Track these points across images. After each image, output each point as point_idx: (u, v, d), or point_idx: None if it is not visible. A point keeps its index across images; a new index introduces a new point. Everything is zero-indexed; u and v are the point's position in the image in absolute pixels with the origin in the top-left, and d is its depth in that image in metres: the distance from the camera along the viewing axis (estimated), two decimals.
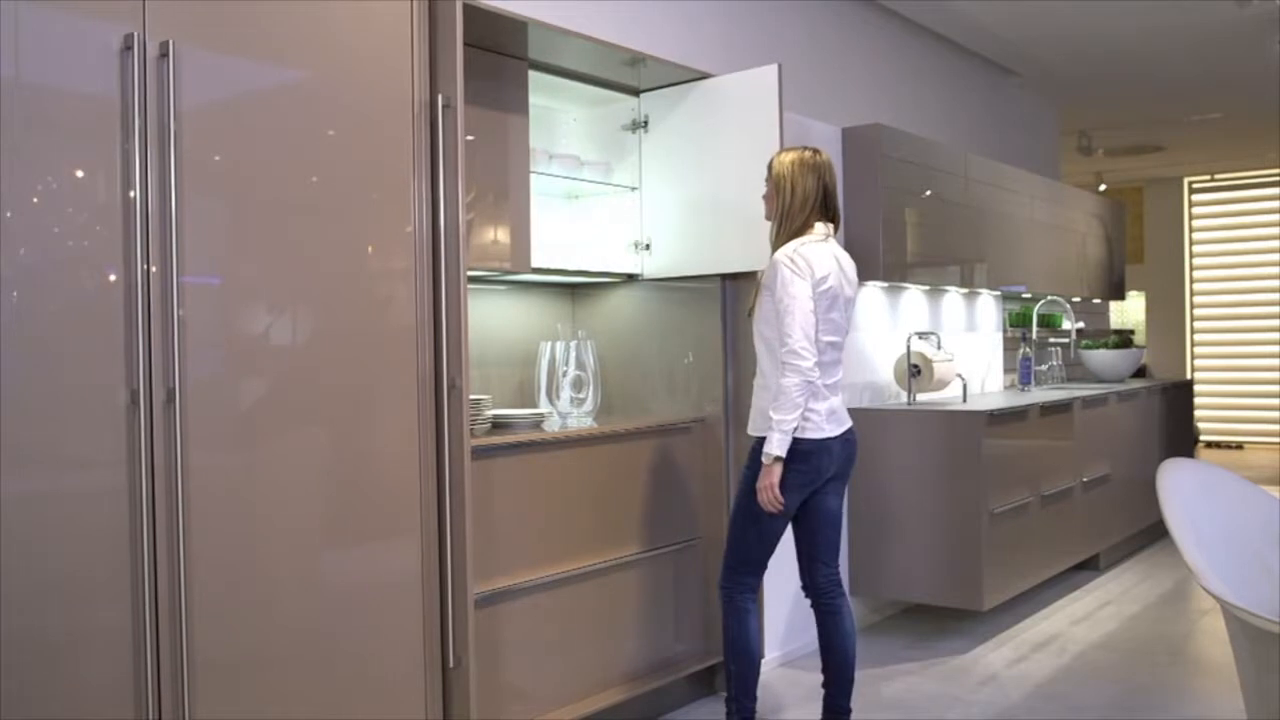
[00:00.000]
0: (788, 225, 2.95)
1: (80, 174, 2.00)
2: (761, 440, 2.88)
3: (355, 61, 2.47)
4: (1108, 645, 4.23)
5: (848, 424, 3.00)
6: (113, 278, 2.04)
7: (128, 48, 2.05)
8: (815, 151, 3.00)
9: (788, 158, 2.99)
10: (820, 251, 2.90)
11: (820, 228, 2.96)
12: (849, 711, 3.06)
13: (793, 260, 2.85)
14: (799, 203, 2.94)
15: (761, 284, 2.95)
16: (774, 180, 2.99)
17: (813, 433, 2.88)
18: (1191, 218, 11.43)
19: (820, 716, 3.10)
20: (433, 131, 2.57)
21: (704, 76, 3.54)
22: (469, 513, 2.59)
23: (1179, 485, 2.26)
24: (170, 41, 2.10)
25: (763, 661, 3.68)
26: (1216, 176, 11.17)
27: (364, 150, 2.48)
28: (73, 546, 1.98)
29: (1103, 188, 10.33)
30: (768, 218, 3.05)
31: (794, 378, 2.78)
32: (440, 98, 2.57)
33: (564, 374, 3.44)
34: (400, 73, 2.54)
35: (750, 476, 2.92)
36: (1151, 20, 5.82)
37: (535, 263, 3.39)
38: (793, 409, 2.79)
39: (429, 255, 2.58)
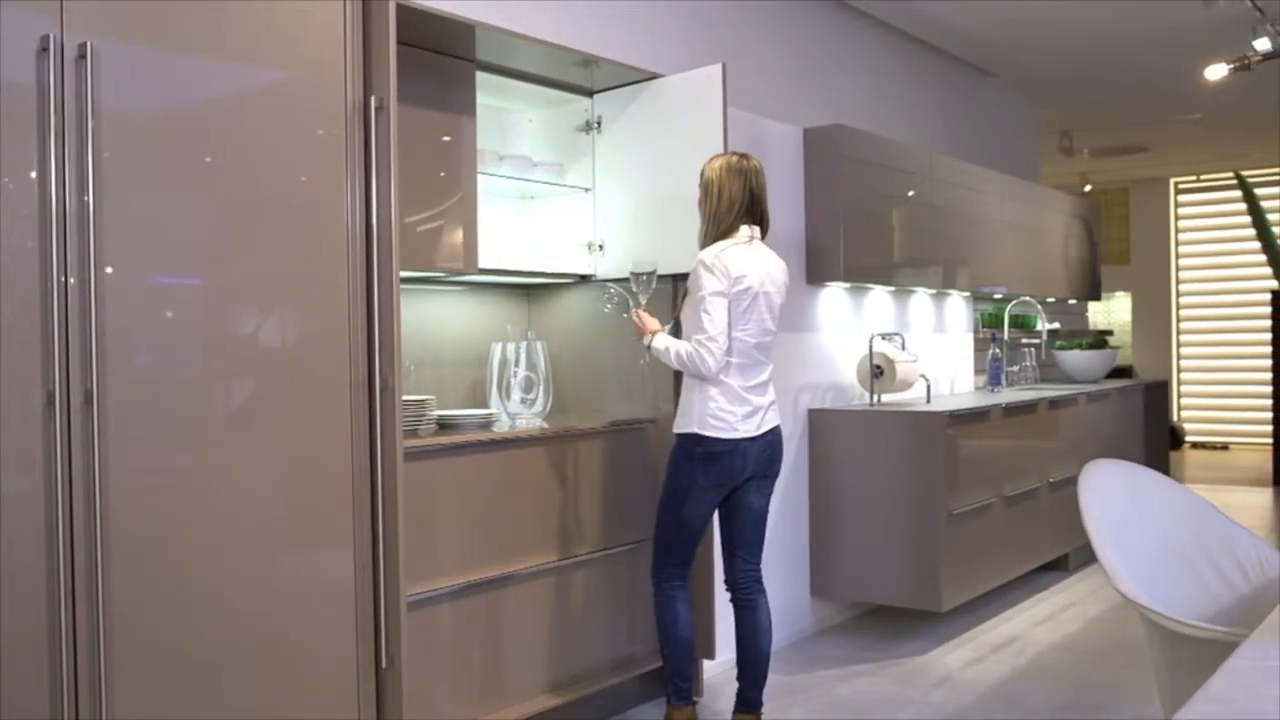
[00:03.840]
0: (714, 228, 3.05)
1: None
2: (682, 437, 3.01)
3: (287, 62, 2.47)
4: (1067, 646, 4.23)
5: (771, 425, 3.07)
6: (31, 279, 2.03)
7: (44, 49, 2.05)
8: (744, 157, 3.09)
9: (717, 163, 3.08)
10: (741, 254, 2.99)
11: (745, 230, 3.04)
12: (760, 703, 3.16)
13: (709, 264, 2.95)
14: (725, 206, 3.03)
15: (687, 288, 3.04)
16: (704, 185, 3.09)
17: (726, 433, 2.97)
18: (1177, 218, 11.43)
19: (734, 706, 3.18)
20: (366, 132, 2.57)
21: (652, 77, 3.54)
22: (401, 514, 2.58)
23: (1101, 485, 2.26)
24: (89, 43, 2.09)
25: (720, 662, 3.69)
26: (1202, 177, 11.17)
27: (297, 151, 2.48)
28: None
29: (1088, 188, 10.33)
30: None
31: (697, 360, 2.90)
32: (373, 99, 2.57)
33: (514, 375, 3.44)
34: (333, 74, 2.54)
35: (674, 473, 3.05)
36: (1123, 21, 5.82)
37: (490, 263, 3.39)
38: (679, 364, 2.96)
39: (363, 256, 2.58)
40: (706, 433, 2.95)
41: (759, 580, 3.17)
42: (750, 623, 3.13)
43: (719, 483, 3.01)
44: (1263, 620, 1.70)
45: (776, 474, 3.15)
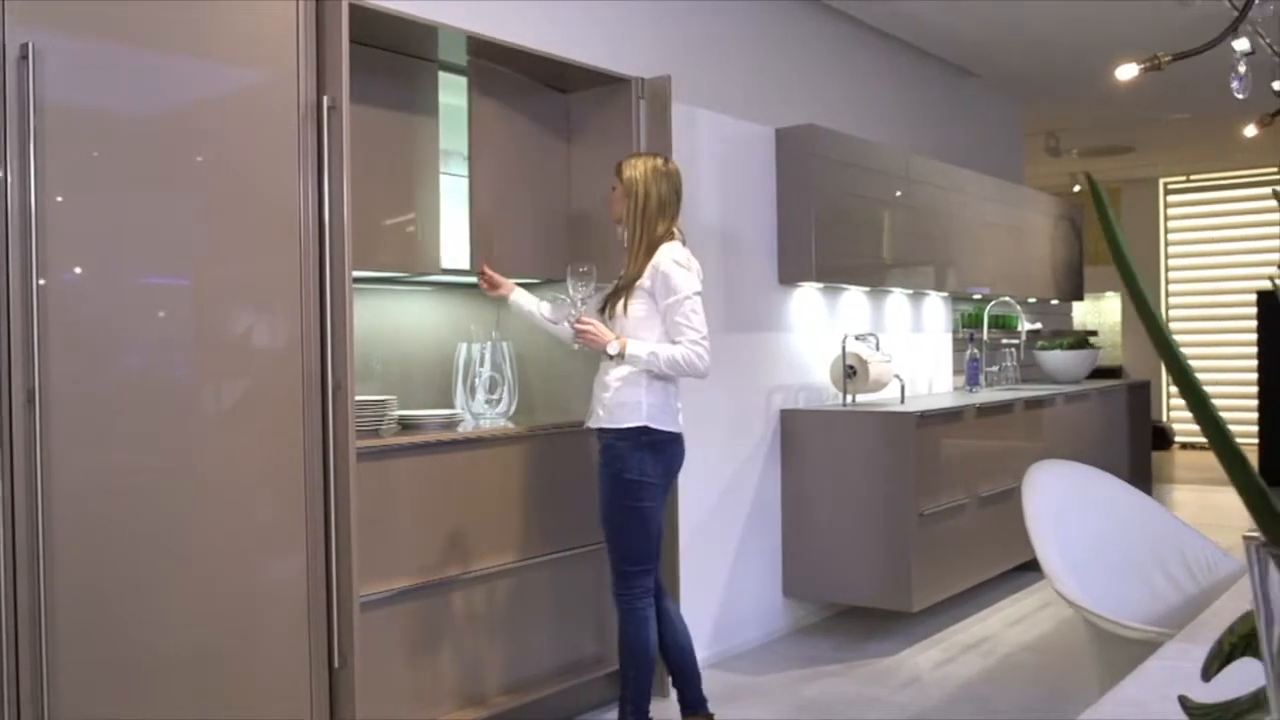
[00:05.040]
0: (648, 232, 3.00)
1: None
2: (626, 430, 2.91)
3: (241, 61, 2.47)
4: (1037, 647, 4.23)
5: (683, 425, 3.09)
6: None
7: None
8: (666, 160, 3.09)
9: (643, 165, 3.04)
10: (691, 256, 3.01)
11: (677, 233, 3.03)
12: (704, 701, 3.12)
13: (685, 264, 2.94)
14: (655, 208, 3.00)
15: (635, 286, 2.97)
16: (626, 185, 3.03)
17: (672, 426, 2.97)
18: (1167, 219, 11.42)
19: (680, 713, 3.13)
20: (319, 133, 2.57)
21: (620, 79, 3.54)
22: (354, 514, 2.58)
23: (1045, 487, 2.26)
24: (30, 43, 2.09)
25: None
26: (1192, 177, 11.16)
27: (251, 151, 2.48)
28: None
29: (1077, 188, 10.33)
30: (616, 220, 3.11)
31: (697, 361, 2.89)
32: (326, 99, 2.57)
33: (478, 375, 3.44)
34: (287, 73, 2.54)
35: (619, 471, 2.93)
36: (1103, 22, 5.81)
37: (455, 264, 3.39)
38: (671, 368, 2.88)
39: (316, 257, 2.58)
40: (655, 425, 2.92)
41: (662, 585, 3.13)
42: (668, 627, 3.08)
43: (665, 472, 2.97)
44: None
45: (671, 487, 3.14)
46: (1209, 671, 0.98)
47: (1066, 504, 2.28)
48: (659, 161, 3.05)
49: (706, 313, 2.88)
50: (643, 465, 2.92)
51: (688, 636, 3.13)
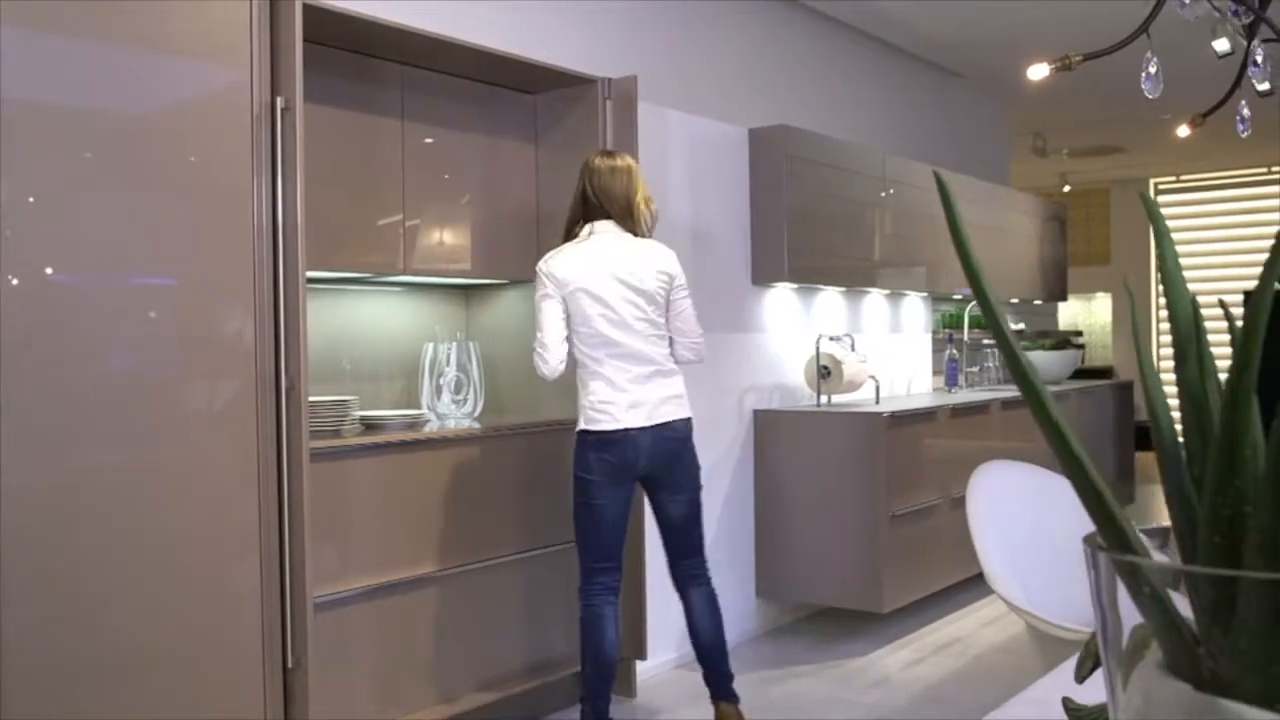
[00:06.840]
0: (567, 229, 3.12)
1: None
2: (576, 434, 3.03)
3: (191, 62, 2.47)
4: (1009, 648, 4.23)
5: (663, 419, 3.00)
6: None
7: None
8: (605, 155, 3.12)
9: (588, 161, 3.11)
10: (571, 255, 3.01)
11: (585, 229, 3.06)
12: (730, 676, 3.16)
13: (538, 270, 3.03)
14: (573, 203, 3.10)
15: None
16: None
17: (610, 425, 2.97)
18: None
19: (710, 696, 3.17)
20: (273, 134, 2.57)
21: (587, 79, 3.54)
22: (308, 514, 2.58)
23: (990, 487, 2.25)
24: None
25: (660, 663, 3.70)
26: (1182, 178, 11.15)
27: (203, 152, 2.48)
28: None
29: (1067, 188, 10.32)
30: None
31: (537, 365, 3.01)
32: (280, 100, 2.57)
33: (444, 375, 3.44)
34: (240, 75, 2.54)
35: (574, 472, 3.04)
36: (1088, 21, 5.81)
37: (426, 264, 3.39)
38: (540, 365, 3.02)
39: (270, 257, 2.58)
40: (591, 426, 2.97)
41: (697, 576, 3.15)
42: (692, 610, 3.15)
43: (614, 472, 2.96)
44: None
45: (684, 485, 3.07)
46: (1081, 673, 0.98)
47: (1012, 503, 2.28)
48: (590, 157, 3.11)
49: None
50: (587, 463, 2.98)
51: (710, 627, 3.13)
